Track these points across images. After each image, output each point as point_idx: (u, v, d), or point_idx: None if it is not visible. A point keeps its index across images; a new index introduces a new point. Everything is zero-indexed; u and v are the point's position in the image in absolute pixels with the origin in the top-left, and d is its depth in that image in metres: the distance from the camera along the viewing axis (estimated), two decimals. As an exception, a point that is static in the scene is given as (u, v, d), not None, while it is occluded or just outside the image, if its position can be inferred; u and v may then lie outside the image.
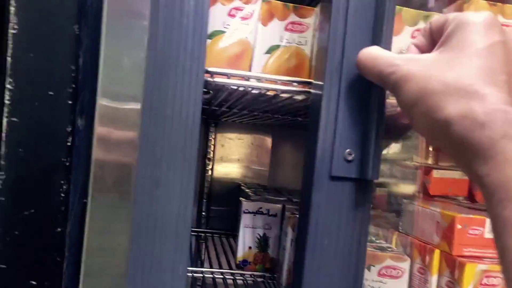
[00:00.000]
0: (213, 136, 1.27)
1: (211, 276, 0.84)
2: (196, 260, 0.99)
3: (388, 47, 0.45)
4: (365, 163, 0.46)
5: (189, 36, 0.43)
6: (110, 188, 0.41)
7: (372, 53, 0.42)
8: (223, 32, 0.66)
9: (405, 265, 0.61)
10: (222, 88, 0.65)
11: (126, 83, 0.42)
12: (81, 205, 0.42)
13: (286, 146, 1.31)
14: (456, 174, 0.87)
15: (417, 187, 0.91)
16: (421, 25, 0.67)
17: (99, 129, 0.41)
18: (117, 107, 0.42)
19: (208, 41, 0.65)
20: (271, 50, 0.68)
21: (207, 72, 0.57)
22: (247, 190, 1.11)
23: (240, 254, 0.89)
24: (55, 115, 0.41)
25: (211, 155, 1.26)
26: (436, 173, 0.86)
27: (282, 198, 1.01)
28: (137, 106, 0.42)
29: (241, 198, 0.93)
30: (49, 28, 0.42)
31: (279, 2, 0.68)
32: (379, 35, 0.46)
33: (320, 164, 0.47)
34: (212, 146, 1.27)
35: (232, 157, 1.29)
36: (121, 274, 0.41)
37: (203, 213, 1.26)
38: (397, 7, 0.66)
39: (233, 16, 0.66)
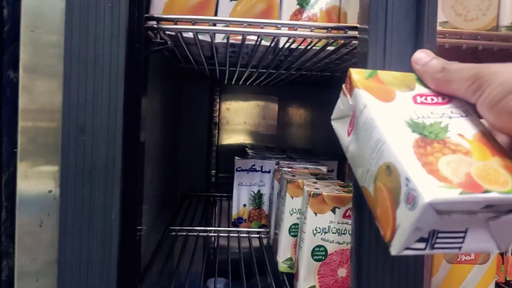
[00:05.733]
0: (218, 100, 1.26)
1: (205, 234, 0.85)
2: (199, 221, 0.99)
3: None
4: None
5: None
6: (38, 136, 0.41)
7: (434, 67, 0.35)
8: (185, -18, 0.64)
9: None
10: (190, 40, 0.63)
11: (46, 28, 0.41)
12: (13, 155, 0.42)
13: (292, 105, 1.28)
14: None
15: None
16: None
17: (23, 80, 0.41)
18: (39, 54, 0.41)
19: (170, -8, 0.64)
20: (237, -4, 0.65)
21: (165, 19, 0.55)
22: (250, 151, 1.10)
23: (234, 212, 0.89)
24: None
25: (217, 120, 1.26)
26: None
27: (280, 155, 1.00)
28: (58, 50, 0.41)
29: (235, 157, 0.92)
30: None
31: None
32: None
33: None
34: (218, 111, 1.26)
35: (239, 120, 1.27)
36: (54, 219, 0.41)
37: (213, 179, 1.26)
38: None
39: (195, -36, 0.64)
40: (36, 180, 0.43)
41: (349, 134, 0.36)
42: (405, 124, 0.31)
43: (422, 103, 0.33)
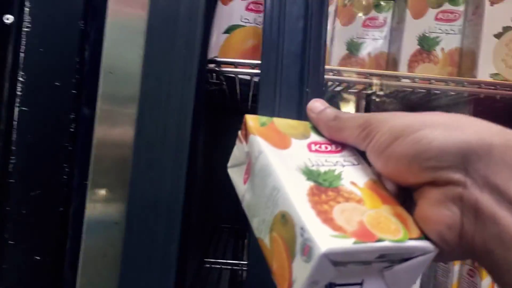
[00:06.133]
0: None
1: (239, 268, 0.85)
2: (231, 253, 1.00)
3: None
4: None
5: (182, 27, 0.45)
6: (108, 169, 0.43)
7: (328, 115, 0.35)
8: (241, 26, 0.67)
9: None
10: (242, 81, 0.66)
11: (124, 71, 0.44)
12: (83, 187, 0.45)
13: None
14: None
15: None
16: (447, 6, 0.64)
17: (99, 117, 0.44)
18: (115, 94, 0.44)
19: (226, 35, 0.67)
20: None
21: (225, 63, 0.58)
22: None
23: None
24: (60, 104, 0.44)
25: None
26: None
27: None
28: (133, 90, 0.44)
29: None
30: (57, 24, 0.45)
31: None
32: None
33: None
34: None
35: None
36: (117, 250, 0.43)
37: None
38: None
39: (251, 10, 0.67)
40: (103, 212, 0.46)
41: (245, 182, 0.33)
42: (300, 171, 0.30)
43: (316, 151, 0.33)
